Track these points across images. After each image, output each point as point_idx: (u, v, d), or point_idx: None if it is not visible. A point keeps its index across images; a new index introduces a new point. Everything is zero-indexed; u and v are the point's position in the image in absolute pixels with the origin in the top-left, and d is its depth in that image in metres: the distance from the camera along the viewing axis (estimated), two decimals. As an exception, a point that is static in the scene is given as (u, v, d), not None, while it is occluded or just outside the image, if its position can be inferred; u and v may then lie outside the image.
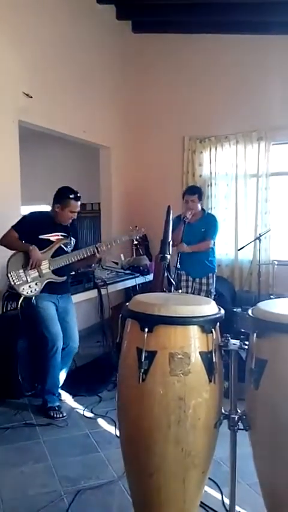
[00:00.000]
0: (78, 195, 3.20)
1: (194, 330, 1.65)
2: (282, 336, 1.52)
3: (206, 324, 1.65)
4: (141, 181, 5.86)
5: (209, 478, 2.20)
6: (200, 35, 5.46)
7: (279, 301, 1.93)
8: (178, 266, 3.52)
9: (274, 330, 1.54)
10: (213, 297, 4.21)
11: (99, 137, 5.32)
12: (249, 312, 1.70)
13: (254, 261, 5.23)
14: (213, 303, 1.78)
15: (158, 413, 1.60)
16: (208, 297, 4.17)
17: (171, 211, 2.35)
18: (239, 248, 5.24)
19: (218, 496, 2.17)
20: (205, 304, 1.74)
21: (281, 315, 1.55)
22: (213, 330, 1.67)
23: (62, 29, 4.61)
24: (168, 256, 2.23)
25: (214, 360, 1.63)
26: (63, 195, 3.18)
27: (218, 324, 1.75)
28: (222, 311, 1.77)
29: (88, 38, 5.03)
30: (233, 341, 1.75)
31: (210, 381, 1.62)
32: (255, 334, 1.63)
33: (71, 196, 3.16)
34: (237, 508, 2.02)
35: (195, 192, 4.22)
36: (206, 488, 2.25)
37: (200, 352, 1.63)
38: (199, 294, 4.20)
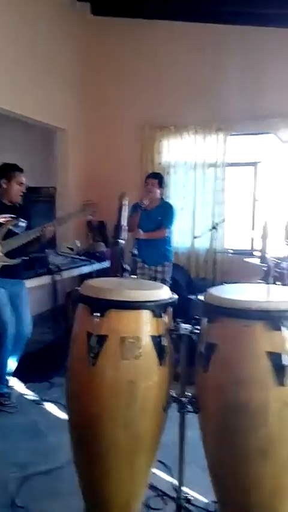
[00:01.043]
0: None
1: (146, 314, 1.64)
2: (231, 321, 1.54)
3: (157, 309, 1.66)
4: (99, 166, 5.76)
5: (160, 461, 2.25)
6: (163, 22, 5.40)
7: (230, 286, 1.97)
8: (135, 252, 3.53)
9: (224, 314, 1.57)
10: (168, 285, 4.24)
11: (55, 119, 5.17)
12: (201, 297, 1.72)
13: (209, 250, 5.32)
14: (166, 288, 1.79)
15: (107, 397, 1.59)
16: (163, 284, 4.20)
17: (126, 197, 2.33)
18: (195, 236, 5.31)
19: (169, 478, 2.21)
20: (157, 289, 1.75)
21: (231, 299, 1.58)
22: (164, 314, 1.67)
23: (18, 8, 4.40)
24: (122, 242, 2.21)
25: (164, 344, 1.64)
26: (6, 169, 3.17)
27: (171, 308, 1.76)
28: (175, 296, 1.78)
29: (45, 18, 4.84)
30: (184, 325, 1.77)
31: (160, 364, 1.63)
32: (205, 319, 1.65)
33: (14, 168, 3.17)
34: (187, 489, 2.07)
35: (156, 176, 4.29)
36: (157, 471, 2.30)
37: (151, 336, 1.63)
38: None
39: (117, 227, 2.24)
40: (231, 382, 1.50)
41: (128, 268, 2.20)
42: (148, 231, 4.12)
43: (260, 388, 1.47)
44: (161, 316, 1.67)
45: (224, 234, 5.42)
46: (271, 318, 1.49)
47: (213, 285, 4.48)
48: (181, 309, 1.82)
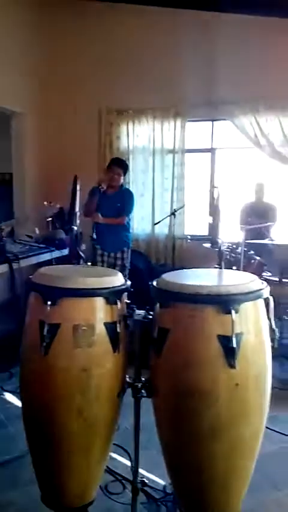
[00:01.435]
0: None
1: (99, 302, 1.64)
2: (183, 305, 1.56)
3: (110, 295, 1.65)
4: (57, 151, 5.63)
5: (119, 446, 2.28)
6: (120, 5, 5.30)
7: (183, 272, 1.99)
8: (94, 236, 3.51)
9: (175, 299, 1.58)
10: (127, 271, 4.26)
11: (11, 103, 4.99)
12: (154, 282, 1.72)
13: (169, 236, 5.36)
14: (120, 274, 1.78)
15: (61, 386, 1.58)
16: (122, 271, 4.21)
17: (79, 182, 2.29)
18: (154, 223, 5.34)
19: (128, 463, 2.24)
20: (110, 276, 1.74)
21: (182, 284, 1.59)
22: (118, 301, 1.67)
23: None
24: (75, 228, 2.19)
25: (118, 331, 1.64)
26: None
27: (125, 295, 1.76)
28: (129, 282, 1.78)
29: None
30: (138, 311, 1.77)
31: (114, 351, 1.63)
32: (158, 304, 1.67)
33: None
34: (145, 473, 2.11)
35: (121, 165, 4.22)
36: (117, 455, 2.32)
37: (104, 323, 1.62)
38: (113, 269, 4.20)
39: (71, 213, 2.21)
40: (183, 366, 1.52)
41: (83, 255, 2.17)
42: (107, 216, 4.10)
43: (210, 370, 1.50)
44: (115, 303, 1.66)
45: (183, 220, 5.47)
46: (221, 301, 1.51)
47: (173, 270, 4.58)
48: (142, 295, 1.82)
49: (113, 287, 1.68)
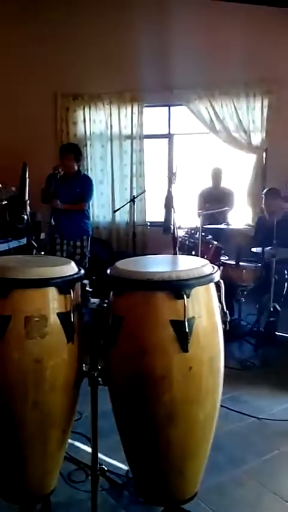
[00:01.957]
0: None
1: (52, 292, 1.61)
2: (135, 292, 1.56)
3: (63, 285, 1.62)
4: (12, 138, 5.45)
5: (82, 434, 2.28)
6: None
7: (137, 259, 1.99)
8: (52, 222, 3.44)
9: (128, 286, 1.58)
10: (87, 259, 4.22)
11: None
12: (108, 270, 1.71)
13: (129, 223, 5.35)
14: (73, 263, 1.76)
15: (14, 378, 1.55)
16: (83, 259, 4.19)
17: (27, 168, 2.23)
18: (114, 210, 5.31)
19: (90, 449, 2.24)
20: (63, 265, 1.71)
21: (134, 271, 1.59)
22: (71, 290, 1.65)
23: None
24: (25, 217, 2.13)
25: (72, 320, 1.62)
26: None
27: (79, 283, 1.74)
28: (82, 271, 1.75)
29: None
30: (93, 300, 1.76)
31: (69, 341, 1.61)
32: (111, 292, 1.66)
33: None
34: (107, 459, 2.12)
35: (72, 150, 4.11)
36: (80, 444, 2.33)
37: (58, 314, 1.60)
38: (73, 257, 4.16)
39: (20, 201, 2.15)
40: (137, 353, 1.53)
41: (36, 244, 2.12)
42: (66, 203, 4.03)
43: (164, 356, 1.51)
44: (68, 293, 1.64)
45: (144, 207, 5.46)
46: (173, 287, 1.53)
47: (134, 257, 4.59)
48: (103, 283, 1.79)
49: (65, 276, 1.66)
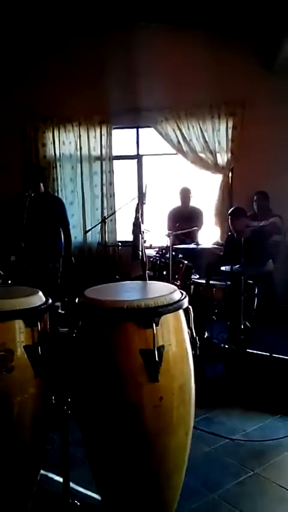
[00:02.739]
0: None
1: (18, 324, 1.57)
2: (104, 321, 1.55)
3: (30, 317, 1.60)
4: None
5: (54, 463, 2.21)
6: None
7: (106, 286, 1.97)
8: (22, 244, 3.39)
9: (97, 315, 1.57)
10: (59, 280, 4.17)
11: None
12: (76, 300, 1.70)
13: (101, 243, 5.34)
14: (40, 293, 1.73)
15: (-20, 416, 1.50)
16: (56, 281, 4.13)
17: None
18: (86, 230, 5.29)
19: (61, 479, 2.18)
20: (30, 296, 1.68)
21: (102, 300, 1.58)
22: (38, 322, 1.62)
23: None
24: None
25: (40, 353, 1.59)
26: None
27: (47, 314, 1.71)
28: (50, 301, 1.73)
29: None
30: (62, 330, 1.74)
31: (36, 375, 1.58)
32: (80, 321, 1.64)
33: None
34: (82, 489, 2.06)
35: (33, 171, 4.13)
36: (52, 475, 2.25)
37: (24, 347, 1.57)
38: (46, 279, 4.10)
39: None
40: (107, 383, 1.51)
41: (1, 272, 2.08)
42: (37, 225, 3.98)
43: (134, 385, 1.50)
44: (35, 325, 1.61)
45: (115, 227, 5.48)
46: (141, 315, 1.53)
47: (106, 278, 4.58)
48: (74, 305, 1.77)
49: (32, 308, 1.63)
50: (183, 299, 1.66)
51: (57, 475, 2.22)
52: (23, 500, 1.66)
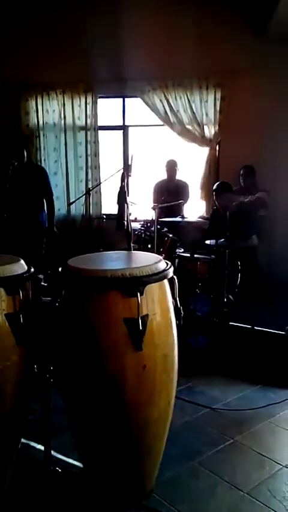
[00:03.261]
0: None
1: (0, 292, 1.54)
2: (88, 290, 1.52)
3: (11, 285, 1.56)
4: None
5: (34, 431, 2.21)
6: None
7: (89, 256, 1.93)
8: (4, 215, 3.33)
9: (81, 284, 1.54)
10: (43, 251, 4.12)
11: None
12: (59, 268, 1.66)
13: (85, 216, 5.26)
14: (22, 261, 1.69)
15: None
16: (39, 252, 4.08)
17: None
18: (70, 202, 5.20)
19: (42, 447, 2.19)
20: (10, 264, 1.64)
21: (86, 269, 1.55)
22: (20, 290, 1.58)
23: None
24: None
25: (21, 322, 1.56)
26: None
27: (29, 282, 1.68)
28: (32, 269, 1.69)
29: None
30: (44, 299, 1.71)
31: (18, 343, 1.56)
32: (63, 290, 1.61)
33: None
34: (63, 457, 2.08)
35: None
36: (32, 443, 2.26)
37: (6, 315, 1.54)
38: (29, 250, 4.04)
39: None
40: (90, 351, 1.50)
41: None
42: (22, 195, 3.90)
43: (118, 354, 1.49)
44: (17, 293, 1.58)
45: (100, 199, 5.39)
46: (126, 284, 1.50)
47: (89, 250, 4.53)
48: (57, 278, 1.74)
49: (14, 276, 1.59)
50: (168, 269, 1.64)
51: (38, 443, 2.24)
52: (3, 467, 1.66)
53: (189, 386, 2.88)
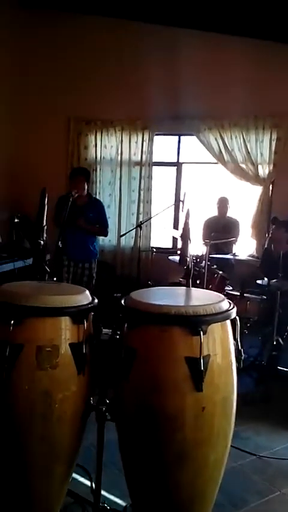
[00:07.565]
0: None
1: (65, 321, 1.59)
2: (150, 325, 1.54)
3: (77, 315, 1.61)
4: (24, 159, 5.51)
5: (79, 465, 2.20)
6: (93, 17, 5.28)
7: (151, 290, 1.97)
8: (60, 245, 3.44)
9: (143, 319, 1.56)
10: (94, 281, 4.21)
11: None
12: (122, 301, 1.69)
13: (134, 248, 5.35)
14: (87, 292, 1.74)
15: (22, 409, 1.51)
16: (90, 281, 4.17)
17: (46, 194, 2.24)
18: (121, 234, 5.32)
19: (88, 482, 2.17)
20: (77, 294, 1.69)
21: (149, 304, 1.57)
22: (84, 320, 1.63)
23: None
24: (42, 242, 2.13)
25: (84, 352, 1.59)
26: None
27: (92, 313, 1.72)
28: (96, 300, 1.73)
29: None
30: (105, 330, 1.74)
31: (79, 373, 1.58)
32: (126, 324, 1.64)
33: None
34: (105, 493, 2.05)
35: (83, 173, 4.22)
36: (76, 476, 2.25)
37: (70, 344, 1.58)
38: (81, 279, 4.15)
39: (38, 227, 2.15)
40: (149, 389, 1.50)
41: (48, 269, 2.11)
42: (80, 228, 4.05)
43: (177, 393, 1.48)
44: (81, 323, 1.62)
45: (150, 232, 5.48)
46: (189, 322, 1.51)
47: (138, 282, 4.59)
48: (105, 307, 1.78)
49: (79, 306, 1.64)
50: (231, 309, 1.64)
51: (81, 476, 2.22)
52: (54, 502, 1.66)
53: (235, 431, 2.77)
